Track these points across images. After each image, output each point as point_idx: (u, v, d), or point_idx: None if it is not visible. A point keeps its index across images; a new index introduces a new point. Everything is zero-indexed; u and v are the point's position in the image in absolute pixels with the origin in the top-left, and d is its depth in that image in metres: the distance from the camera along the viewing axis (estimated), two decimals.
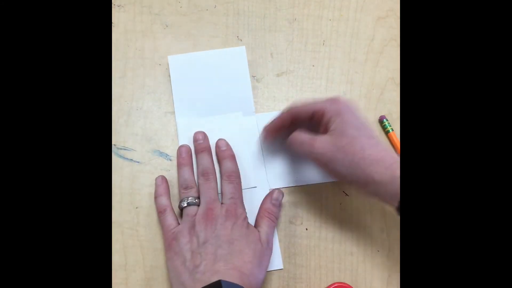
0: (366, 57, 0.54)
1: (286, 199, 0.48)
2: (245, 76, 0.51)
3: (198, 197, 0.44)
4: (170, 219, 0.44)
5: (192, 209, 0.43)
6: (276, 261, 0.45)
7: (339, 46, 0.54)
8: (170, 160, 0.48)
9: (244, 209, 0.44)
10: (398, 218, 0.39)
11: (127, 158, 0.48)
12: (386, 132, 0.50)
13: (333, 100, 0.42)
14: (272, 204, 0.45)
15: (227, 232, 0.41)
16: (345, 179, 0.40)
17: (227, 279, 0.37)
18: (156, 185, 0.46)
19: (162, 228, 0.44)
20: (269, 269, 0.45)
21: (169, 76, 0.51)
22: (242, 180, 0.46)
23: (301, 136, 0.42)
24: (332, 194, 0.48)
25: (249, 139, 0.49)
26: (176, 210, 0.46)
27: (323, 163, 0.40)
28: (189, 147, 0.47)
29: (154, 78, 0.51)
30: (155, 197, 0.46)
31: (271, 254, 0.43)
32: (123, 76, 0.51)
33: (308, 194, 0.48)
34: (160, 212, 0.45)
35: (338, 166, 0.39)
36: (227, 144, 0.47)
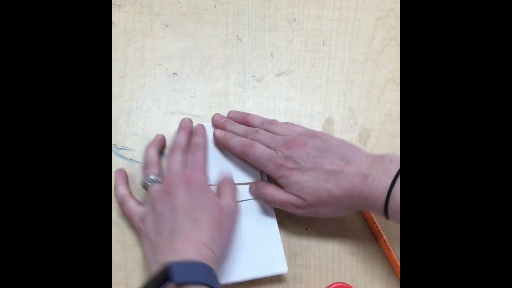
0: (366, 57, 0.54)
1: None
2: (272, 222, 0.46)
3: (161, 175, 0.43)
4: (131, 205, 0.43)
5: (154, 187, 0.42)
6: (279, 263, 0.44)
7: (339, 46, 0.54)
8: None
9: (204, 174, 0.43)
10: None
11: (127, 158, 0.48)
12: None
13: (278, 165, 0.42)
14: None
15: (183, 204, 0.39)
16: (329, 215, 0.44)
17: (185, 256, 0.36)
18: (115, 178, 0.45)
19: (129, 217, 0.43)
20: (272, 273, 0.44)
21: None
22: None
23: (279, 200, 0.43)
24: None
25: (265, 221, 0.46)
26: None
27: (304, 214, 0.43)
28: (164, 137, 0.47)
29: (154, 78, 0.51)
30: (114, 188, 0.45)
31: (234, 216, 0.42)
32: (123, 76, 0.51)
33: None
34: (120, 203, 0.44)
35: (322, 214, 0.43)
36: (204, 131, 0.47)
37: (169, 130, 0.49)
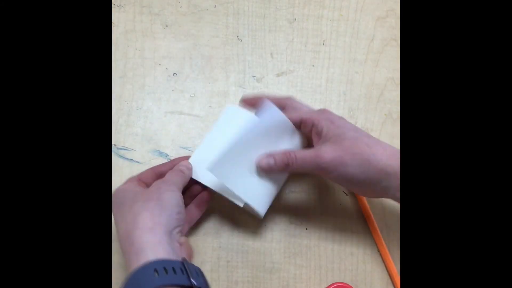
0: (366, 57, 0.54)
1: (286, 199, 0.48)
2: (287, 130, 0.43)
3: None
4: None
5: None
6: (261, 205, 0.42)
7: (339, 46, 0.54)
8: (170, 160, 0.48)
9: (135, 182, 0.40)
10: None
11: (127, 158, 0.48)
12: None
13: (321, 110, 0.42)
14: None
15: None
16: (357, 180, 0.39)
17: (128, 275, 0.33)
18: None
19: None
20: (252, 206, 0.41)
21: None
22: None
23: (299, 154, 0.40)
24: (332, 194, 0.48)
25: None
26: None
27: (333, 170, 0.39)
28: (189, 165, 0.43)
29: (154, 78, 0.51)
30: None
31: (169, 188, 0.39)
32: (123, 76, 0.51)
33: (308, 194, 0.48)
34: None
35: (349, 168, 0.38)
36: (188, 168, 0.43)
37: (169, 130, 0.49)
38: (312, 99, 0.52)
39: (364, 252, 0.46)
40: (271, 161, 0.41)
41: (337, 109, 0.51)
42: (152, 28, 0.53)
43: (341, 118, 0.42)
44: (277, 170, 0.41)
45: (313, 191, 0.48)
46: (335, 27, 0.55)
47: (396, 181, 0.38)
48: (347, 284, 0.44)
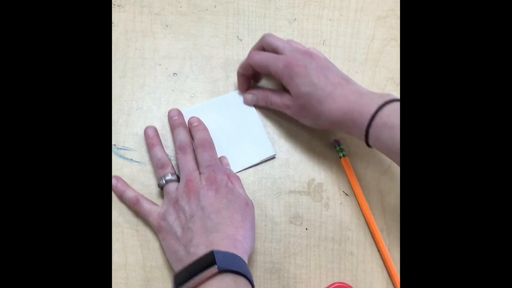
0: (366, 57, 0.54)
1: (286, 199, 0.48)
2: (253, 115, 0.50)
3: (175, 173, 0.45)
4: (147, 205, 0.44)
5: (172, 185, 0.44)
6: (266, 148, 0.49)
7: (339, 46, 0.54)
8: (170, 160, 0.48)
9: (224, 173, 0.44)
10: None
11: (127, 158, 0.48)
12: (339, 157, 0.49)
13: (287, 63, 0.44)
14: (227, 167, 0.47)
15: (211, 201, 0.41)
16: (317, 128, 0.47)
17: (221, 248, 0.38)
18: (114, 188, 0.46)
19: (144, 216, 0.44)
20: (262, 159, 0.48)
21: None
22: (255, 153, 0.49)
23: (274, 100, 0.48)
24: (332, 194, 0.48)
25: (247, 115, 0.50)
26: (156, 190, 0.46)
27: (298, 119, 0.47)
28: (155, 127, 0.48)
29: (154, 78, 0.51)
30: (120, 196, 0.46)
31: (253, 209, 0.44)
32: (123, 76, 0.51)
33: (308, 194, 0.48)
34: (134, 204, 0.45)
35: (307, 120, 0.46)
36: (199, 120, 0.48)
37: (169, 130, 0.49)
38: None
39: (364, 252, 0.46)
40: (254, 98, 0.50)
41: None
42: (152, 28, 0.53)
43: (300, 69, 0.44)
44: (258, 105, 0.50)
45: (313, 190, 0.48)
46: (335, 27, 0.55)
47: (348, 122, 0.42)
48: (347, 284, 0.44)
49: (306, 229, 0.47)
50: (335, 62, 0.53)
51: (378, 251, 0.46)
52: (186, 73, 0.52)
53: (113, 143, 0.48)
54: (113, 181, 0.46)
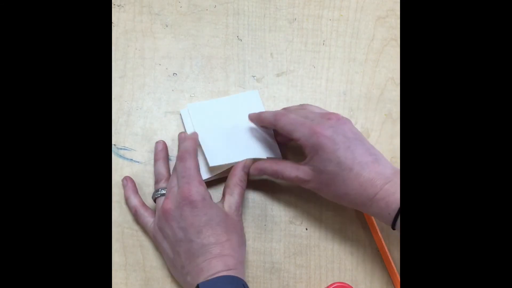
0: (366, 57, 0.54)
1: (286, 199, 0.48)
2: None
3: None
4: (144, 217, 0.44)
5: (160, 200, 0.44)
6: (273, 151, 0.47)
7: (339, 46, 0.54)
8: (170, 160, 0.48)
9: (201, 184, 0.42)
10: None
11: (127, 158, 0.48)
12: None
13: (312, 131, 0.41)
14: (244, 172, 0.45)
15: (190, 221, 0.40)
16: (334, 202, 0.43)
17: (212, 272, 0.38)
18: (123, 187, 0.46)
19: (143, 227, 0.45)
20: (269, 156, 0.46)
21: (184, 122, 0.50)
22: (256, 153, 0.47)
23: (286, 173, 0.43)
24: None
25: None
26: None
27: (310, 189, 0.43)
28: (163, 142, 0.48)
29: (154, 78, 0.51)
30: (125, 200, 0.46)
31: (238, 213, 0.43)
32: (123, 76, 0.51)
33: (308, 194, 0.48)
34: (134, 214, 0.45)
35: (324, 195, 0.43)
36: (185, 134, 0.47)
37: (169, 129, 0.49)
38: (312, 99, 0.52)
39: (364, 252, 0.46)
40: (261, 172, 0.45)
41: (337, 109, 0.51)
42: (152, 28, 0.53)
43: (329, 143, 0.40)
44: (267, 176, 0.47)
45: (313, 191, 0.48)
46: (335, 27, 0.55)
47: (374, 208, 0.39)
48: (347, 284, 0.44)
49: (306, 229, 0.47)
50: (335, 62, 0.53)
51: (378, 251, 0.46)
52: (186, 73, 0.52)
53: (113, 143, 0.48)
54: (123, 181, 0.46)
